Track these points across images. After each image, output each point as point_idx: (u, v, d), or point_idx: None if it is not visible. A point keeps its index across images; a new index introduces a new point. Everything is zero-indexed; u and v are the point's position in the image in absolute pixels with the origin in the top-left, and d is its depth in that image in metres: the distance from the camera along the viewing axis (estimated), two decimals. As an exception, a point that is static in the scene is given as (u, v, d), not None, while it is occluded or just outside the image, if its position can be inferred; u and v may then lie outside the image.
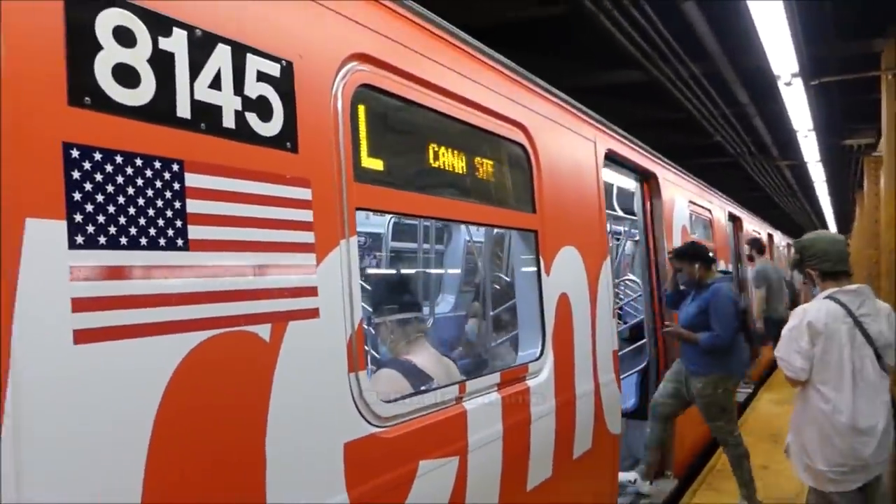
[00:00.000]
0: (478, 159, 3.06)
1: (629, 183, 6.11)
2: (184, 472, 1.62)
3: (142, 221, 1.56)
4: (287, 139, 1.96)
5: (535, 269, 3.44)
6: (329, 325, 2.04)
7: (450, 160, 2.82)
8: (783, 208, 22.97)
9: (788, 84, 6.15)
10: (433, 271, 7.15)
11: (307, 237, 2.00)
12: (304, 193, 2.00)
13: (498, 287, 6.48)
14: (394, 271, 6.90)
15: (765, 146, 11.36)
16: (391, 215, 6.71)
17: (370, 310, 3.61)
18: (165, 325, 1.59)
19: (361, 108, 2.33)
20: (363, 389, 2.15)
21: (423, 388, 2.93)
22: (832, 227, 30.82)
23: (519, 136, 3.37)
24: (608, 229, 8.36)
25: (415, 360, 3.19)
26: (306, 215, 2.00)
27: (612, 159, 4.86)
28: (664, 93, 7.37)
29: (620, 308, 7.49)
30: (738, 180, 15.02)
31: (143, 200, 1.57)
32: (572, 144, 4.08)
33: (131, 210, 1.54)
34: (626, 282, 8.18)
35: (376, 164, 2.39)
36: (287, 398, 1.88)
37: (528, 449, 3.17)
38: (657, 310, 5.83)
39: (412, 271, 7.07)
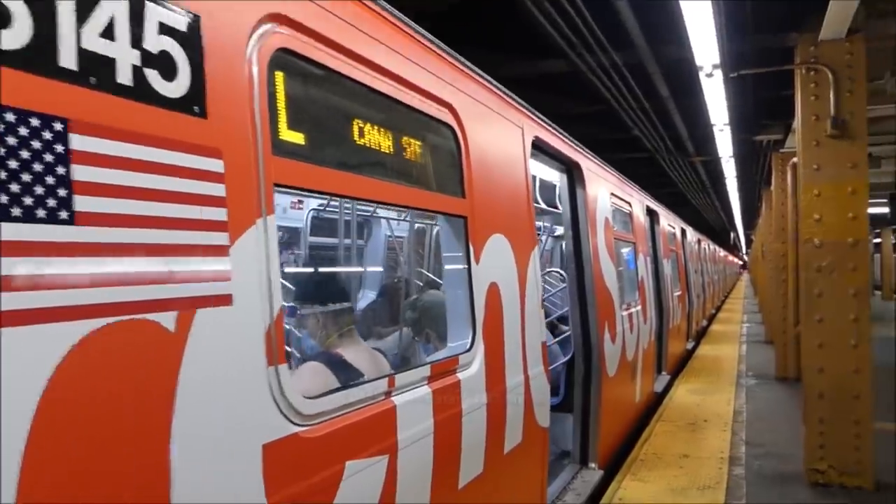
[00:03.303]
0: (406, 139, 2.88)
1: (552, 175, 6.06)
2: (70, 482, 1.37)
3: (14, 188, 1.31)
4: (194, 102, 1.73)
5: (463, 257, 3.29)
6: (244, 313, 1.82)
7: (376, 138, 2.63)
8: (695, 205, 23.76)
9: (710, 75, 6.24)
10: (353, 265, 6.94)
11: (218, 214, 1.77)
12: (216, 165, 1.77)
13: (420, 281, 6.34)
14: (322, 263, 6.65)
15: (681, 141, 11.62)
16: (311, 206, 6.46)
17: (297, 302, 3.37)
18: (46, 313, 1.34)
19: (280, 76, 2.12)
20: (284, 385, 1.94)
21: (350, 382, 2.74)
22: (739, 223, 32.19)
23: (447, 118, 3.21)
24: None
25: (344, 353, 2.99)
26: (217, 189, 1.77)
27: (539, 148, 4.77)
28: (586, 84, 7.37)
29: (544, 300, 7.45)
30: (653, 176, 15.38)
31: (17, 164, 1.32)
32: (501, 129, 3.96)
33: (1, 174, 1.29)
34: (552, 272, 8.16)
35: (296, 138, 2.18)
36: (195, 395, 1.65)
37: (460, 445, 3.02)
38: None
39: (338, 264, 6.86)
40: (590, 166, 6.09)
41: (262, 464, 1.83)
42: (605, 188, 6.59)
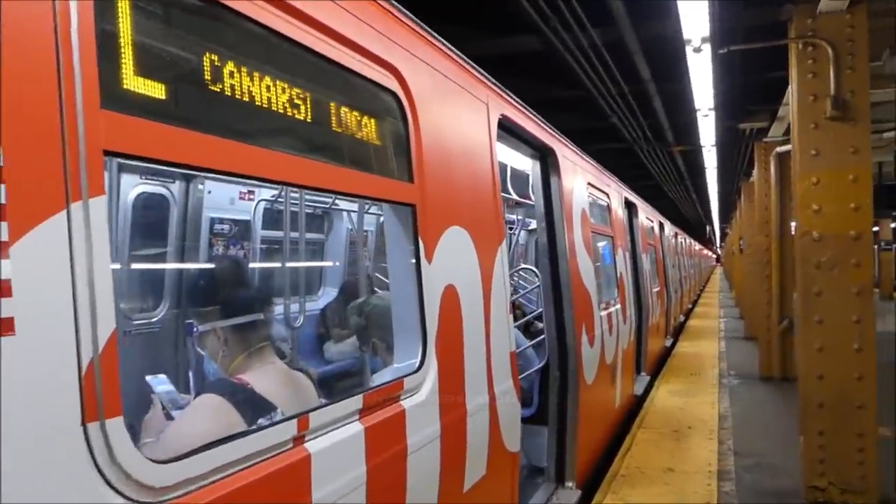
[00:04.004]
0: (331, 105, 2.25)
1: (525, 163, 5.47)
2: None
3: None
4: None
5: (412, 254, 2.67)
6: (36, 346, 1.19)
7: (286, 100, 1.99)
8: (671, 198, 23.38)
9: (698, 50, 5.68)
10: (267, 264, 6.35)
11: None
12: (-18, 118, 1.14)
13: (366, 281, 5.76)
14: (228, 265, 6.01)
15: (661, 130, 11.09)
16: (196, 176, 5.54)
17: (193, 315, 2.68)
18: None
19: (124, 2, 1.48)
20: (115, 448, 1.31)
21: (256, 421, 2.12)
22: (715, 216, 31.97)
23: (391, 83, 2.59)
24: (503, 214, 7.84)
25: (251, 380, 2.34)
26: None
27: (507, 129, 4.16)
28: (561, 65, 6.77)
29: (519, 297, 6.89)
30: (630, 167, 14.88)
31: None
32: (461, 102, 3.34)
33: None
34: (527, 269, 7.60)
35: (153, 89, 1.54)
36: None
37: (404, 490, 2.41)
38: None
39: (258, 259, 6.24)
40: (565, 153, 5.51)
41: (72, 574, 1.21)
42: (581, 177, 6.02)
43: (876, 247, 35.10)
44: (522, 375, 5.11)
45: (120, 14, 1.46)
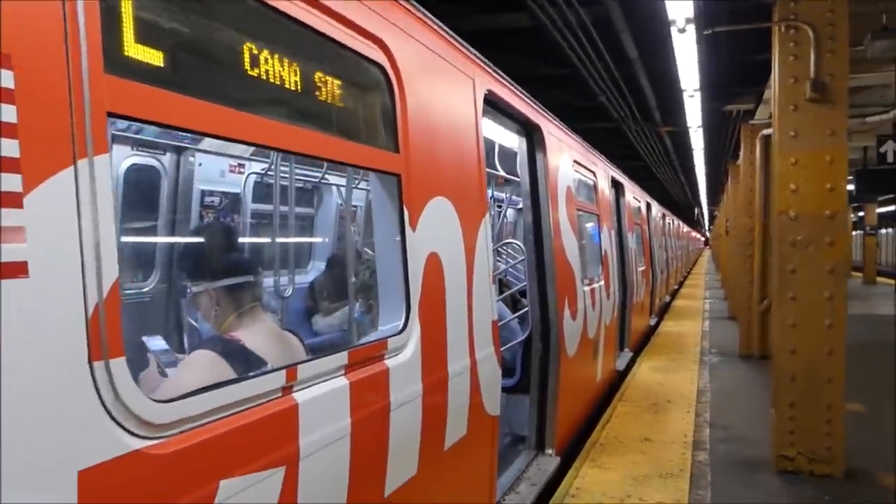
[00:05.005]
0: (319, 75, 2.35)
1: (513, 140, 5.57)
2: None
3: None
4: None
5: (397, 221, 2.79)
6: (47, 289, 1.30)
7: (276, 70, 2.09)
8: (660, 179, 23.51)
9: (682, 31, 5.77)
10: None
11: (3, 148, 1.24)
12: None
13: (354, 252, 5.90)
14: (220, 229, 6.08)
15: (648, 109, 11.19)
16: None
17: (186, 277, 2.81)
18: None
19: (125, -28, 1.58)
20: (119, 386, 1.43)
21: (230, 377, 2.23)
22: (703, 198, 32.17)
23: (378, 55, 2.68)
24: (491, 193, 7.96)
25: (243, 337, 2.47)
26: (2, 112, 1.24)
27: (493, 104, 4.26)
28: (549, 42, 6.85)
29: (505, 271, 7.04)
30: (619, 147, 14.98)
31: None
32: (447, 77, 3.44)
33: None
34: (513, 244, 7.72)
35: (152, 56, 1.64)
36: None
37: (387, 444, 2.55)
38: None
39: (248, 232, 6.36)
40: (551, 130, 5.61)
41: (78, 496, 1.33)
42: (567, 155, 6.13)
43: (861, 232, 35.44)
44: (506, 346, 5.28)
45: (121, -16, 1.56)
